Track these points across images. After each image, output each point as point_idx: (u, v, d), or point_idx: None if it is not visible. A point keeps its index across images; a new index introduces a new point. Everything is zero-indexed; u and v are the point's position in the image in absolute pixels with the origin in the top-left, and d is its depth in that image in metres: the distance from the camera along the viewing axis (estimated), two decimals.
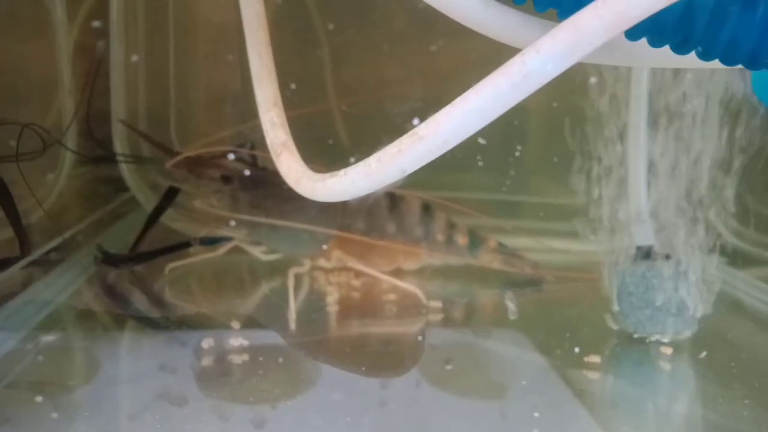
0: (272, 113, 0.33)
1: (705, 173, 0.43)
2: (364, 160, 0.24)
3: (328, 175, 0.26)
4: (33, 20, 0.59)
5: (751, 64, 0.23)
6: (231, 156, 0.52)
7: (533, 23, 0.25)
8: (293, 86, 0.48)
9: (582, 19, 0.20)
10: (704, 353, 0.42)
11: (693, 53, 0.24)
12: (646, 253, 0.42)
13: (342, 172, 0.25)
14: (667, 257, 0.42)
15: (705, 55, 0.24)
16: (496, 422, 0.34)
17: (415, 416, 0.35)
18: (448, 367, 0.40)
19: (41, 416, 0.33)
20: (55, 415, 0.33)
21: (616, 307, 0.43)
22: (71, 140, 0.57)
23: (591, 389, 0.39)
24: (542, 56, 0.20)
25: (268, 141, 0.32)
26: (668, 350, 0.42)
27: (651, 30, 0.23)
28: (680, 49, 0.24)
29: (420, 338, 0.45)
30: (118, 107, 0.61)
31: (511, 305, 0.48)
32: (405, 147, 0.22)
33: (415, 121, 0.23)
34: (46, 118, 0.56)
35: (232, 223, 0.53)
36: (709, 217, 0.43)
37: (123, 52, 0.60)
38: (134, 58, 0.63)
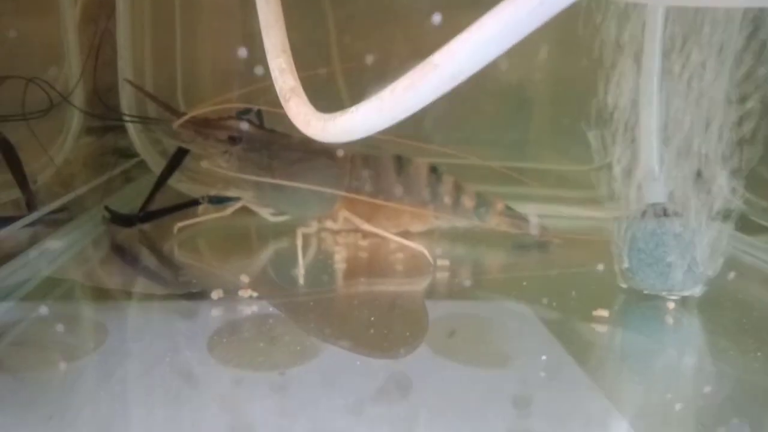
0: (280, 59, 0.33)
1: (716, 133, 0.43)
2: (376, 95, 0.24)
3: (338, 113, 0.26)
4: None
5: None
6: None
7: None
8: None
9: None
10: (715, 309, 0.42)
11: None
12: (657, 211, 0.42)
13: (353, 108, 0.25)
14: (678, 214, 0.42)
15: None
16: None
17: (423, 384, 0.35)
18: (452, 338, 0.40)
19: (52, 373, 0.33)
20: (64, 372, 0.33)
21: (626, 264, 0.43)
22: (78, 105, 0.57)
23: (602, 342, 0.39)
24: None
25: (277, 87, 0.32)
26: (674, 305, 0.42)
27: None
28: None
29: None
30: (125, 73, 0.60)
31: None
32: (418, 78, 0.22)
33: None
34: (55, 83, 0.56)
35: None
36: (721, 177, 0.43)
37: (129, 18, 0.59)
38: None
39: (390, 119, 0.24)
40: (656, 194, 0.43)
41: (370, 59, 0.54)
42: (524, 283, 0.47)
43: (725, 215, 0.42)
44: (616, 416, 0.32)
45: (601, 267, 0.45)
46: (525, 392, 0.33)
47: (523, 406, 0.32)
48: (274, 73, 0.33)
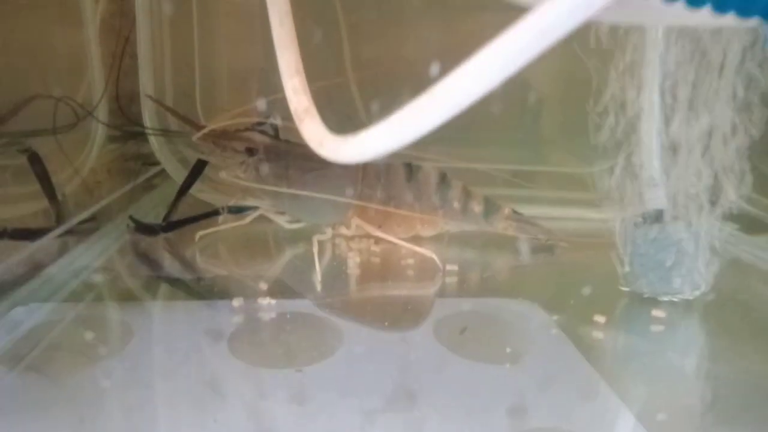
0: (294, 80, 0.35)
1: (719, 138, 0.44)
2: (386, 119, 0.26)
3: (350, 136, 0.28)
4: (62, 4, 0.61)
5: None
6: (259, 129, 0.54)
7: None
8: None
9: None
10: (715, 311, 0.43)
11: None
12: (657, 216, 0.44)
13: (364, 132, 0.27)
14: (678, 220, 0.43)
15: (719, 7, 0.24)
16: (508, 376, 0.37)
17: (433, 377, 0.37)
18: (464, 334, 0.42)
19: (83, 376, 0.35)
20: (94, 375, 0.35)
21: (627, 268, 0.44)
22: (102, 118, 0.60)
23: (601, 345, 0.41)
24: (556, 12, 0.21)
25: (291, 107, 0.34)
26: (673, 307, 0.43)
27: None
28: (694, 2, 0.24)
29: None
30: (146, 84, 0.63)
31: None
32: (426, 104, 0.24)
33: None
34: (78, 96, 0.59)
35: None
36: (721, 181, 0.44)
37: (149, 31, 0.62)
38: None
39: (399, 142, 0.26)
40: (657, 200, 0.44)
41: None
42: (529, 285, 0.49)
43: (727, 216, 0.44)
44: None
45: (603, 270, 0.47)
46: (532, 387, 0.35)
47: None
48: (288, 93, 0.35)
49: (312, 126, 0.32)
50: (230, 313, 0.42)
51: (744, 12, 0.24)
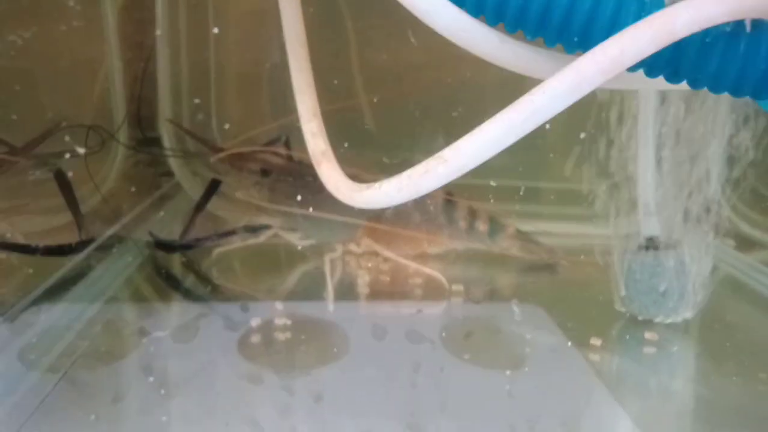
0: (312, 124, 0.37)
1: (712, 162, 0.47)
2: (396, 176, 0.28)
3: (364, 186, 0.31)
4: (83, 15, 0.64)
5: (735, 93, 0.27)
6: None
7: (543, 55, 0.28)
8: None
9: (582, 64, 0.24)
10: (701, 334, 0.46)
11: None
12: (651, 243, 0.46)
13: (377, 185, 0.29)
14: (671, 247, 0.46)
15: (694, 85, 0.27)
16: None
17: (438, 386, 0.40)
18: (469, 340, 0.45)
19: (98, 377, 0.39)
20: (113, 380, 0.39)
21: (623, 292, 0.47)
22: (122, 135, 0.63)
23: (598, 366, 0.43)
24: (549, 95, 0.24)
25: (309, 150, 0.36)
26: (669, 331, 0.46)
27: (645, 65, 0.27)
28: (672, 79, 0.27)
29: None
30: (165, 105, 0.65)
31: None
32: (431, 168, 0.26)
33: None
34: (100, 117, 0.62)
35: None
36: (713, 206, 0.47)
37: (168, 52, 0.65)
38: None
39: (408, 196, 0.28)
40: (651, 228, 0.47)
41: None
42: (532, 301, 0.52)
43: (718, 240, 0.46)
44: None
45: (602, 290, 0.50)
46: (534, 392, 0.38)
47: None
48: (307, 136, 0.37)
49: (329, 170, 0.34)
50: (243, 321, 0.45)
51: (715, 90, 0.26)
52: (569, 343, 0.44)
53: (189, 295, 0.52)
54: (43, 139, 0.54)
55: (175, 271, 0.57)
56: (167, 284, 0.55)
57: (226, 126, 0.67)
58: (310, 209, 0.56)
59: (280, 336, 0.45)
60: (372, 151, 0.62)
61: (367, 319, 0.49)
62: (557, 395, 0.39)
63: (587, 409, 0.38)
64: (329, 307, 0.49)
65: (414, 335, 0.45)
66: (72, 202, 0.56)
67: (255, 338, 0.44)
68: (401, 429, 0.35)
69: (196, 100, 0.67)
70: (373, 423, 0.36)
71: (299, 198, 0.57)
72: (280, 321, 0.46)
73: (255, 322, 0.46)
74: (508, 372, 0.41)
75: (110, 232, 0.56)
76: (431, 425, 0.36)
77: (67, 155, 0.54)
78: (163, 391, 0.38)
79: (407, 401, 0.38)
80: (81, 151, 0.54)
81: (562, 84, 0.24)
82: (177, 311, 0.50)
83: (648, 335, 0.45)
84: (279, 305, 0.49)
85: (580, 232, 0.62)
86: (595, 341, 0.44)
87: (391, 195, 0.29)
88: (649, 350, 0.44)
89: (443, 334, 0.45)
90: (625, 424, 0.36)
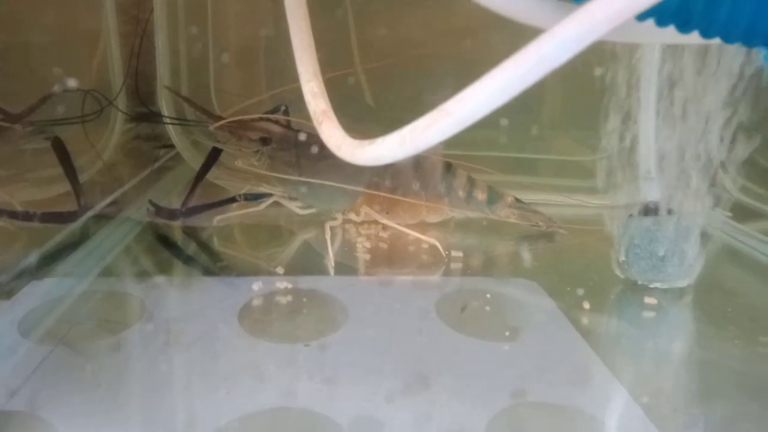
0: (312, 84, 0.37)
1: (713, 130, 0.46)
2: (399, 130, 0.28)
3: (366, 142, 0.30)
4: None
5: (748, 42, 0.26)
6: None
7: (551, 5, 0.28)
8: None
9: (591, 9, 0.23)
10: (701, 298, 0.46)
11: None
12: (651, 209, 0.46)
13: (379, 140, 0.29)
14: (670, 212, 0.46)
15: (706, 34, 0.27)
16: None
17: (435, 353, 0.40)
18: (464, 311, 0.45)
19: (105, 350, 0.38)
20: (114, 349, 0.38)
21: (622, 257, 0.47)
22: (120, 103, 0.62)
23: (598, 330, 0.44)
24: (556, 41, 0.24)
25: (310, 110, 0.36)
26: (667, 297, 0.46)
27: (655, 14, 0.26)
28: (683, 29, 0.27)
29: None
30: (163, 72, 0.65)
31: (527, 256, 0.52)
32: (434, 121, 0.26)
33: None
34: (98, 81, 0.61)
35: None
36: (713, 172, 0.47)
37: (166, 17, 0.64)
38: None
39: (410, 151, 0.28)
40: (652, 193, 0.47)
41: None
42: (530, 270, 0.52)
43: (718, 207, 0.46)
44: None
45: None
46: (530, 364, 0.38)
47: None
48: (307, 97, 0.37)
49: (330, 129, 0.34)
50: (244, 291, 0.45)
51: (727, 40, 0.26)
52: (561, 311, 0.44)
53: (190, 262, 0.52)
54: (40, 105, 0.53)
55: (175, 239, 0.57)
56: (169, 252, 0.55)
57: (224, 96, 0.66)
58: (310, 178, 0.56)
59: (281, 303, 0.45)
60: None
61: (365, 288, 0.49)
62: (549, 362, 0.39)
63: (578, 373, 0.38)
64: (329, 274, 0.50)
65: (410, 304, 0.46)
66: (70, 171, 0.55)
67: (255, 306, 0.44)
68: (401, 388, 0.36)
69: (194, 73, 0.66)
70: (370, 389, 0.36)
71: (299, 167, 0.57)
72: (280, 288, 0.46)
73: (255, 289, 0.46)
74: (503, 341, 0.41)
75: (110, 198, 0.55)
76: (426, 393, 0.36)
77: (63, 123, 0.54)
78: (162, 356, 0.38)
79: (404, 363, 0.38)
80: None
81: (570, 30, 0.23)
82: (177, 280, 0.50)
83: (647, 300, 0.45)
84: (280, 271, 0.49)
85: (578, 202, 0.63)
86: (589, 305, 0.45)
87: (394, 150, 0.29)
88: (648, 314, 0.45)
89: (438, 304, 0.45)
90: (620, 393, 0.36)
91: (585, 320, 0.43)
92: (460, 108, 0.26)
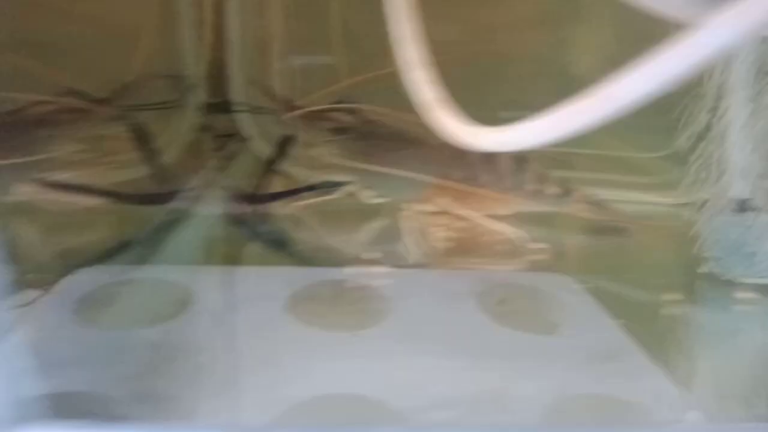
0: (418, 73, 0.37)
1: None
2: (535, 118, 0.28)
3: (489, 129, 0.31)
4: None
5: None
6: None
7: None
8: None
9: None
10: None
11: None
12: (739, 205, 0.46)
13: (507, 127, 0.29)
14: (759, 209, 0.46)
15: None
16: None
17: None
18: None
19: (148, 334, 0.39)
20: (157, 332, 0.39)
21: (708, 252, 0.47)
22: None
23: (678, 327, 0.44)
24: (715, 32, 0.23)
25: (420, 98, 0.36)
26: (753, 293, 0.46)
27: None
28: None
29: None
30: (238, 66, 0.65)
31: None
32: (578, 108, 0.26)
33: None
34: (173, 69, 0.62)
35: None
36: None
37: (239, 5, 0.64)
38: None
39: (543, 141, 0.28)
40: (740, 189, 0.46)
41: None
42: (602, 264, 0.52)
43: None
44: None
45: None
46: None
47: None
48: (413, 86, 0.37)
49: (442, 116, 0.34)
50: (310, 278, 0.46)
51: None
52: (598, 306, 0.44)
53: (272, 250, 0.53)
54: (123, 91, 0.55)
55: (249, 225, 0.58)
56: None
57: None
58: (383, 168, 0.57)
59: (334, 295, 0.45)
60: None
61: (432, 280, 0.49)
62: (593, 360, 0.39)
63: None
64: (408, 260, 0.50)
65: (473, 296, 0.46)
66: (151, 155, 0.56)
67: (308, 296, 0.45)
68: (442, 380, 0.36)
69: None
70: (416, 373, 0.36)
71: (372, 156, 0.57)
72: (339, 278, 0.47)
73: (338, 277, 0.47)
74: (546, 337, 0.41)
75: (195, 182, 0.56)
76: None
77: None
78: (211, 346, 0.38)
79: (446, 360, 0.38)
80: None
81: (730, 21, 0.23)
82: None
83: (740, 295, 0.45)
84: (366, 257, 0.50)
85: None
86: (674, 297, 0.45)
87: (524, 138, 0.29)
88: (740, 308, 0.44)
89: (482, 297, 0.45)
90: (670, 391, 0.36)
91: (655, 317, 0.43)
92: (606, 96, 0.26)
